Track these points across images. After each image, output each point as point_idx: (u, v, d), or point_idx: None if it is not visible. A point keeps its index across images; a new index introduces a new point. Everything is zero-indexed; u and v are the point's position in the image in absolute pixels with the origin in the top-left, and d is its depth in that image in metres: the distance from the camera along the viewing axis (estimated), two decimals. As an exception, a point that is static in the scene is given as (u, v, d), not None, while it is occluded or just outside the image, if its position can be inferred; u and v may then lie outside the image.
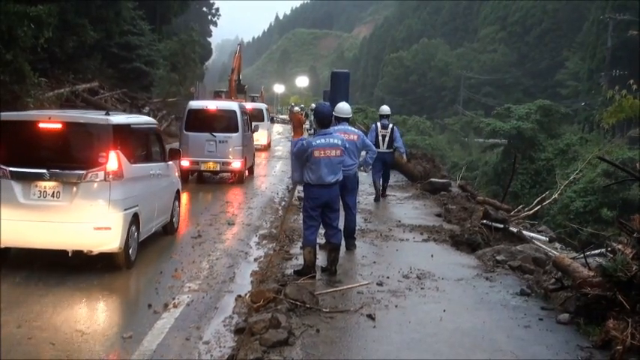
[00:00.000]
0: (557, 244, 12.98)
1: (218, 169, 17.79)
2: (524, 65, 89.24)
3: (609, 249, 7.85)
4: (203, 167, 17.61)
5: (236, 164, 17.67)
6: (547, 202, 17.04)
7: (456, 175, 25.29)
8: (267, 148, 30.56)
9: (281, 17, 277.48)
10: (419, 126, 62.66)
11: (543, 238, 12.63)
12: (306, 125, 35.18)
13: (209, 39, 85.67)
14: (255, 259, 9.63)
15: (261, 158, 25.32)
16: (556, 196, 18.27)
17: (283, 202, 15.24)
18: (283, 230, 11.48)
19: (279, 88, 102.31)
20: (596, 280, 6.49)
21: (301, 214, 8.89)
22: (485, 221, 11.42)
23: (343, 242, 8.99)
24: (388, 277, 8.16)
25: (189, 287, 7.95)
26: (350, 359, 5.62)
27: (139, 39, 38.97)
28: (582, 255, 7.69)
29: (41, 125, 8.53)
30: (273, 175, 21.00)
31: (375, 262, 9.00)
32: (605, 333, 5.82)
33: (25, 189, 8.22)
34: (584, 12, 76.74)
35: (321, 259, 8.59)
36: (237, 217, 13.10)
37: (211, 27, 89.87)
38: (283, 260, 9.15)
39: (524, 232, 12.01)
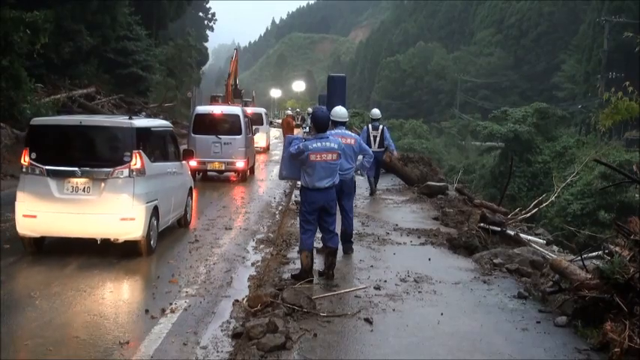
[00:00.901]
0: (554, 247, 13.00)
1: (223, 168, 19.15)
2: (520, 68, 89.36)
3: (606, 251, 7.86)
4: (210, 167, 18.93)
5: (240, 164, 19.13)
6: (544, 204, 17.03)
7: (453, 179, 25.29)
8: (266, 150, 31.73)
9: (277, 22, 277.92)
10: (416, 129, 62.61)
11: (541, 240, 12.63)
12: (305, 129, 35.17)
13: (205, 44, 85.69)
14: (253, 264, 9.62)
15: (258, 162, 25.46)
16: (553, 198, 18.29)
17: (280, 207, 15.23)
18: (280, 234, 11.48)
19: (275, 93, 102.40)
20: (594, 283, 6.49)
21: (298, 218, 8.88)
22: (482, 224, 11.40)
23: (340, 246, 8.98)
24: (385, 281, 8.16)
25: (187, 292, 7.94)
26: (348, 363, 5.61)
27: (136, 44, 38.95)
28: (580, 257, 7.69)
29: (74, 128, 9.86)
30: (270, 179, 20.98)
31: (372, 266, 8.99)
32: (603, 335, 5.81)
33: (60, 185, 9.26)
34: (580, 14, 76.98)
35: (319, 263, 8.59)
36: (235, 221, 13.09)
37: (207, 32, 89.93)
38: (280, 265, 9.14)
39: (522, 235, 12.00)
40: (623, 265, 6.31)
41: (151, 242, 9.85)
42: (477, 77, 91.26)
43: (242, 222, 13.08)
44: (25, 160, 9.48)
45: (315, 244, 8.51)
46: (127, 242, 9.52)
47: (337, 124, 9.72)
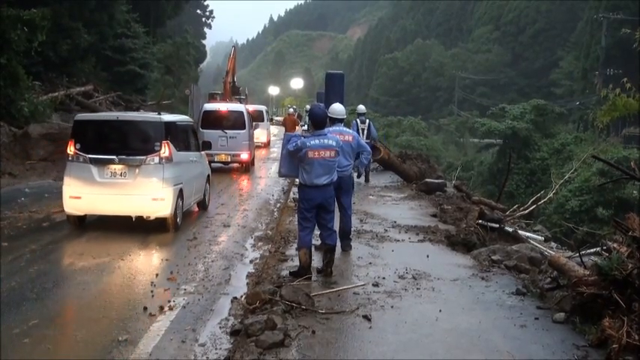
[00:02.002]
0: (552, 244, 13.00)
1: (229, 160, 21.05)
2: (518, 65, 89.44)
3: (605, 248, 7.87)
4: (217, 159, 20.35)
5: (244, 156, 21.08)
6: (542, 201, 17.07)
7: (452, 176, 25.28)
8: (266, 145, 33.42)
9: (275, 19, 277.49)
10: (414, 126, 62.51)
11: (539, 237, 12.62)
12: (303, 127, 35.23)
13: (203, 41, 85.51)
14: (251, 261, 9.61)
15: (257, 159, 25.62)
16: (551, 195, 18.30)
17: (279, 204, 15.23)
18: (279, 232, 11.48)
19: (273, 90, 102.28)
20: (592, 279, 6.49)
21: (296, 215, 8.88)
22: (480, 221, 11.43)
23: (339, 243, 8.98)
24: (384, 278, 8.16)
25: (185, 289, 7.93)
26: (346, 360, 5.61)
27: (133, 42, 38.85)
28: (578, 254, 7.70)
29: (112, 122, 11.72)
30: (268, 176, 20.98)
31: (370, 263, 9.00)
32: (601, 332, 5.82)
33: (100, 170, 10.91)
34: (578, 11, 76.95)
35: (317, 260, 8.59)
36: (233, 218, 13.08)
37: (205, 29, 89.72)
38: (279, 262, 9.14)
39: (520, 232, 12.01)
40: (621, 261, 6.31)
41: (177, 220, 11.54)
42: (475, 74, 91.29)
43: (240, 219, 13.07)
44: (71, 150, 11.06)
45: (314, 242, 8.52)
46: (157, 219, 11.17)
47: (335, 121, 9.72)
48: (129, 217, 11.19)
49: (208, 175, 14.20)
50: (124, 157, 10.90)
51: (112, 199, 10.92)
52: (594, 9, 60.82)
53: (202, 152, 13.87)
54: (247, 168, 21.59)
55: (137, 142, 11.34)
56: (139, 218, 11.15)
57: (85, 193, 10.90)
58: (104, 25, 33.13)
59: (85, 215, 11.43)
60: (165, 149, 11.05)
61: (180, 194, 11.56)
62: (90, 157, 10.89)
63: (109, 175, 10.92)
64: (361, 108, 18.83)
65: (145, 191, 10.93)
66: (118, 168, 10.90)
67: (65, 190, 11.06)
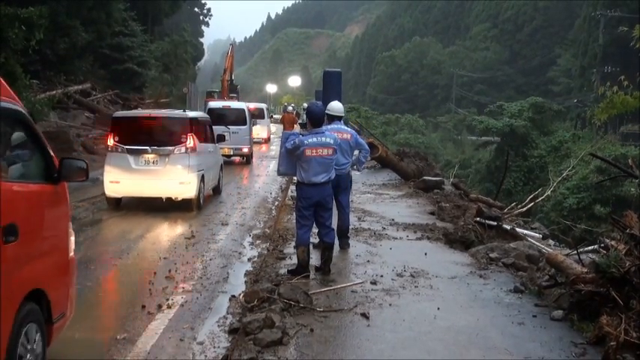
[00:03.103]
0: (550, 241, 13.01)
1: (232, 153, 23.00)
2: (516, 63, 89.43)
3: (602, 245, 7.86)
4: (221, 152, 21.38)
5: (245, 149, 23.57)
6: (540, 199, 17.08)
7: (449, 173, 25.34)
8: (267, 141, 35.89)
9: (273, 17, 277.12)
10: (412, 124, 62.66)
11: (537, 235, 12.64)
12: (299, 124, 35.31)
13: (201, 39, 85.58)
14: (249, 259, 9.60)
15: (255, 157, 26.11)
16: (549, 193, 18.35)
17: (277, 202, 15.23)
18: (277, 230, 11.47)
19: (271, 88, 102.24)
20: (590, 277, 6.50)
21: (294, 213, 8.88)
22: (478, 219, 11.42)
23: (337, 241, 8.98)
24: (382, 276, 8.16)
25: (183, 288, 7.93)
26: (344, 359, 5.60)
27: (131, 40, 38.86)
28: (576, 251, 7.70)
29: (145, 119, 13.88)
30: (266, 174, 20.98)
31: (368, 261, 9.00)
32: (599, 329, 5.82)
33: (135, 159, 12.94)
34: (576, 9, 76.97)
35: (315, 258, 8.59)
36: (231, 217, 13.09)
37: (203, 27, 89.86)
38: (277, 260, 9.13)
39: (518, 230, 12.01)
40: (619, 259, 6.31)
41: (200, 200, 13.63)
42: (473, 72, 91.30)
43: (238, 217, 13.07)
44: (110, 142, 13.13)
45: (312, 240, 8.52)
46: (183, 200, 13.22)
47: (333, 118, 9.67)
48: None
49: (221, 165, 16.43)
50: (155, 147, 12.96)
51: (145, 183, 12.93)
52: (592, 6, 60.85)
53: (217, 144, 15.93)
54: (248, 160, 24.16)
55: (167, 134, 13.29)
56: (168, 199, 13.21)
57: (123, 179, 12.87)
58: (102, 24, 33.10)
59: (121, 198, 13.41)
60: (191, 141, 13.09)
61: (202, 179, 13.60)
62: (127, 148, 12.90)
63: (143, 162, 12.95)
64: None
65: (173, 176, 12.93)
66: (150, 157, 12.95)
67: (106, 176, 13.01)
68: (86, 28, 30.74)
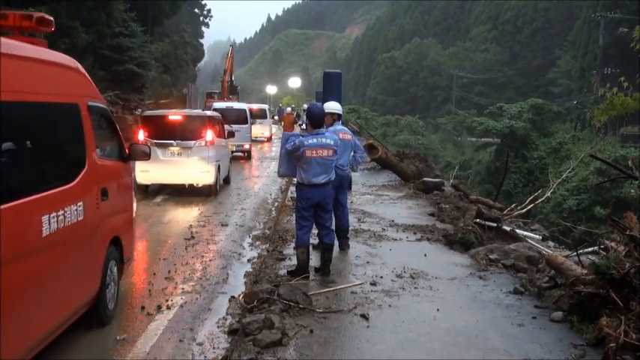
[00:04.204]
0: (550, 243, 13.01)
1: (234, 149, 23.54)
2: (516, 64, 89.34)
3: (602, 247, 7.87)
4: None
5: (246, 146, 25.86)
6: (540, 200, 17.07)
7: (449, 175, 25.31)
8: (269, 139, 37.55)
9: (273, 18, 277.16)
10: (412, 126, 62.64)
11: (536, 236, 12.65)
12: (301, 125, 35.32)
13: (201, 40, 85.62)
14: (249, 260, 9.61)
15: (255, 158, 26.50)
16: (549, 194, 18.33)
17: (276, 203, 15.23)
18: (276, 231, 11.47)
19: (271, 89, 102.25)
20: (589, 278, 6.49)
21: (294, 214, 8.87)
22: (478, 220, 11.41)
23: (336, 242, 8.98)
24: (382, 277, 8.16)
25: (183, 289, 7.93)
26: (344, 359, 5.61)
27: (131, 41, 38.82)
28: (575, 253, 7.70)
29: (170, 117, 15.82)
30: (266, 175, 20.97)
31: (368, 262, 8.99)
32: (599, 330, 5.82)
33: (163, 151, 14.99)
34: (576, 10, 76.93)
35: (315, 259, 8.59)
36: (231, 217, 13.08)
37: (203, 28, 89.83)
38: (276, 261, 9.13)
39: (518, 231, 12.02)
40: (619, 260, 6.31)
41: (217, 187, 15.96)
42: (473, 73, 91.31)
43: (238, 218, 13.07)
44: (141, 137, 14.90)
45: (312, 241, 8.51)
46: (204, 186, 15.56)
47: (332, 115, 9.62)
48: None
49: (230, 158, 18.62)
50: (180, 141, 15.12)
51: (171, 171, 15.08)
52: (592, 8, 60.89)
53: (227, 139, 18.14)
54: (249, 155, 26.28)
55: (189, 130, 15.36)
56: (191, 185, 15.56)
57: (152, 168, 14.60)
58: (102, 24, 33.12)
59: (148, 185, 15.53)
60: (209, 135, 15.29)
61: (218, 169, 15.84)
62: (155, 142, 14.70)
63: (169, 154, 15.11)
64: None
65: (195, 166, 15.13)
66: (175, 149, 15.12)
67: (137, 166, 14.28)
68: (86, 28, 30.76)
